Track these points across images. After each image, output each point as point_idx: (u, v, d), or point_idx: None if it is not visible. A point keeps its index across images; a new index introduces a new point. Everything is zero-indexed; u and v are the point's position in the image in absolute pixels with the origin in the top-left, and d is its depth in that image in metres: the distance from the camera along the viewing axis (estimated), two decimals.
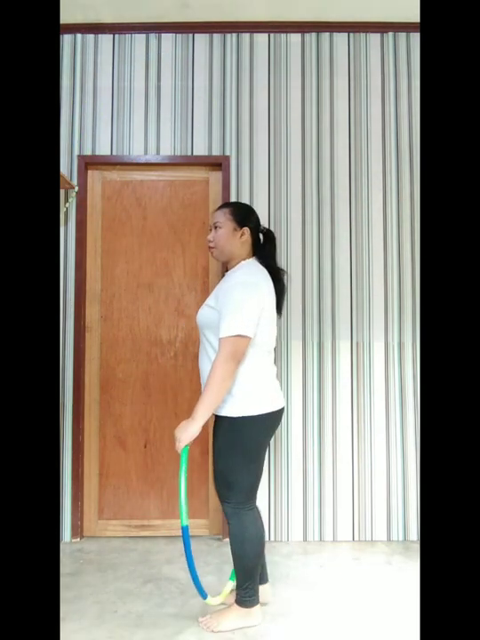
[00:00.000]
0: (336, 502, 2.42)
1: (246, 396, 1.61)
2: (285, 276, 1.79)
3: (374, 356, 2.46)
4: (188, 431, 1.55)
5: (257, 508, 1.71)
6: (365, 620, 1.76)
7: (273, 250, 1.79)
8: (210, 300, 1.68)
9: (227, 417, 1.61)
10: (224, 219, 1.72)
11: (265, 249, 1.77)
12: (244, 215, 1.74)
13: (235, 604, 1.69)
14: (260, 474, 1.70)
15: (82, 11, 2.40)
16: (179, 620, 1.75)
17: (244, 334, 1.53)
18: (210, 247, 1.74)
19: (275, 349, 2.44)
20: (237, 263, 1.73)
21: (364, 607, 1.84)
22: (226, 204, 1.82)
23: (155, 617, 1.77)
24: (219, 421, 1.66)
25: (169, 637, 1.65)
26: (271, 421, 1.67)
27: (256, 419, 1.60)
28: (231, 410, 1.60)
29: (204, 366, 1.66)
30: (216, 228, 1.72)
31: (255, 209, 2.46)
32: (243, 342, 1.54)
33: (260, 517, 1.71)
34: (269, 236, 1.80)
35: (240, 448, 1.62)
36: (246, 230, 1.72)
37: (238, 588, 1.68)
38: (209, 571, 2.10)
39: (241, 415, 1.59)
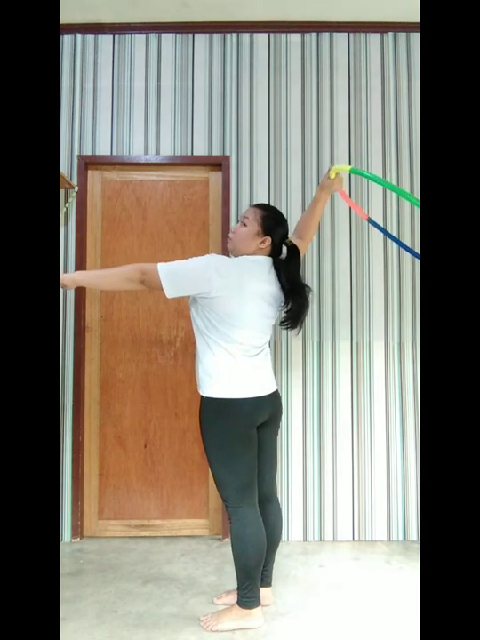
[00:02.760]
0: (336, 502, 2.42)
1: (220, 380, 1.62)
2: (310, 293, 1.73)
3: (374, 356, 2.46)
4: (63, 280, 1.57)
5: (257, 509, 1.69)
6: (365, 620, 1.76)
7: (297, 266, 1.72)
8: None
9: (202, 397, 1.66)
10: (252, 218, 1.68)
11: (290, 265, 1.70)
12: (272, 224, 1.69)
13: (236, 605, 1.69)
14: (249, 475, 1.65)
15: (82, 11, 2.40)
16: (179, 620, 1.75)
17: (160, 272, 1.55)
18: (229, 238, 1.74)
19: (275, 349, 2.45)
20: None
21: (364, 607, 1.84)
22: (262, 206, 1.77)
23: (155, 617, 1.77)
24: (200, 404, 1.69)
25: (169, 637, 1.65)
26: (242, 408, 1.62)
27: (228, 402, 1.61)
28: (206, 390, 1.64)
29: (196, 368, 1.71)
30: (243, 223, 1.69)
31: None
32: (153, 276, 1.55)
33: (271, 517, 1.73)
34: (294, 252, 1.73)
35: (213, 434, 1.63)
36: (269, 240, 1.68)
37: (238, 588, 1.68)
38: (209, 571, 2.10)
39: (213, 396, 1.62)
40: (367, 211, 2.49)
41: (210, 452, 1.66)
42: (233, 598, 1.76)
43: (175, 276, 1.57)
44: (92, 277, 1.75)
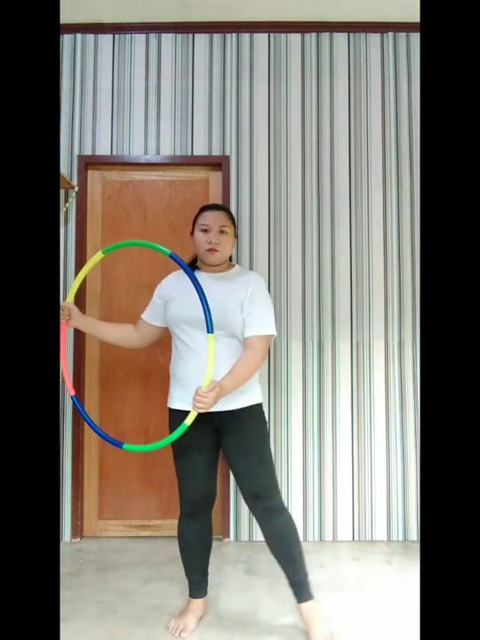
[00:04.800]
0: (336, 502, 2.42)
1: (257, 385, 1.71)
2: None
3: (374, 356, 2.46)
4: (217, 400, 1.49)
5: (201, 519, 1.71)
6: (365, 620, 1.76)
7: None
8: (234, 300, 1.62)
9: (249, 406, 1.65)
10: (230, 224, 1.70)
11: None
12: (236, 224, 1.76)
13: (309, 605, 1.65)
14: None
15: (82, 11, 2.40)
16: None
17: (272, 335, 1.64)
18: (213, 249, 1.64)
19: (275, 349, 2.45)
20: (228, 267, 1.73)
21: (364, 607, 1.84)
22: (225, 208, 1.76)
23: (155, 617, 1.77)
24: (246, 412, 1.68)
25: (169, 638, 1.65)
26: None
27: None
28: (255, 397, 1.68)
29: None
30: (223, 232, 1.66)
31: (255, 209, 2.49)
32: (269, 341, 1.65)
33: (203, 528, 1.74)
34: None
35: (267, 438, 1.72)
36: (236, 239, 1.77)
37: (302, 580, 1.67)
38: (209, 570, 2.09)
39: (259, 401, 1.69)
40: (367, 211, 2.49)
41: (267, 456, 1.66)
42: (193, 618, 1.72)
43: (273, 320, 1.66)
44: (237, 382, 1.57)
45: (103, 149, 2.51)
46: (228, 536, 2.41)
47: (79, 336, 2.44)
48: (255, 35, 2.53)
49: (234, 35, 2.53)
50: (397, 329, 2.47)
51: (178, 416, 1.63)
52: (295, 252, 2.47)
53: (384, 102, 2.53)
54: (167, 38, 2.53)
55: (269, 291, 2.35)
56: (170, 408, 1.73)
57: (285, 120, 2.52)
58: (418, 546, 2.35)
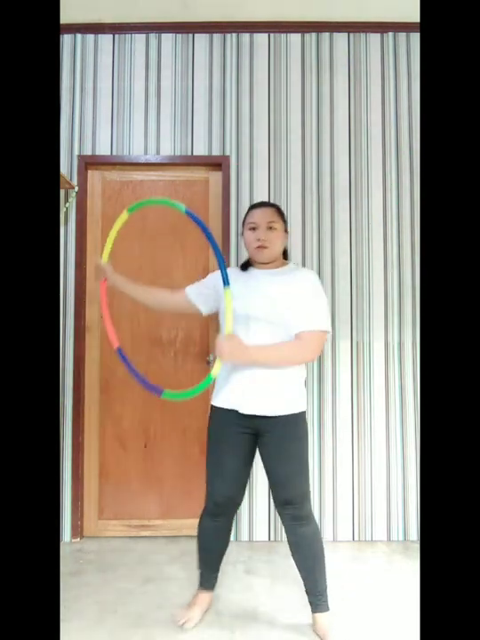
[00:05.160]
0: (336, 502, 2.42)
1: (305, 392, 1.68)
2: None
3: (374, 356, 2.46)
4: (237, 354, 1.50)
5: (224, 520, 1.73)
6: (365, 620, 1.76)
7: None
8: (289, 296, 1.60)
9: (293, 414, 1.63)
10: (278, 219, 1.68)
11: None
12: (285, 220, 1.75)
13: (324, 617, 1.67)
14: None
15: (82, 11, 2.40)
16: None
17: (327, 331, 1.61)
18: (262, 246, 1.63)
19: None
20: (281, 263, 1.72)
21: (364, 607, 1.84)
22: (273, 205, 1.74)
23: (155, 617, 1.77)
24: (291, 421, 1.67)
25: (169, 637, 1.65)
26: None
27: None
28: (301, 405, 1.65)
29: (273, 385, 1.61)
30: (271, 228, 1.64)
31: None
32: (325, 337, 1.61)
33: (221, 529, 1.75)
34: None
35: (307, 444, 1.68)
36: (287, 234, 1.75)
37: (320, 593, 1.69)
38: None
39: (304, 409, 1.66)
40: (367, 211, 2.49)
41: (305, 464, 1.65)
42: (199, 611, 1.76)
43: (328, 318, 1.62)
44: (266, 358, 1.57)
45: (103, 149, 2.51)
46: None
47: (79, 336, 2.44)
48: (255, 35, 2.53)
49: (234, 35, 2.53)
50: (397, 329, 2.47)
51: (222, 413, 1.66)
52: (295, 251, 2.46)
53: (384, 102, 2.53)
54: (167, 38, 2.53)
55: None
56: (213, 405, 1.70)
57: (285, 120, 2.52)
58: (418, 546, 2.35)
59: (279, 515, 1.67)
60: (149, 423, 2.49)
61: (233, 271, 1.71)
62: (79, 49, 2.52)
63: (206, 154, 2.51)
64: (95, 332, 2.50)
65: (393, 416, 2.45)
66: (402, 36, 2.54)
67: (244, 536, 2.41)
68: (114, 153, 2.51)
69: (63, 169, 2.46)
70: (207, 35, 2.52)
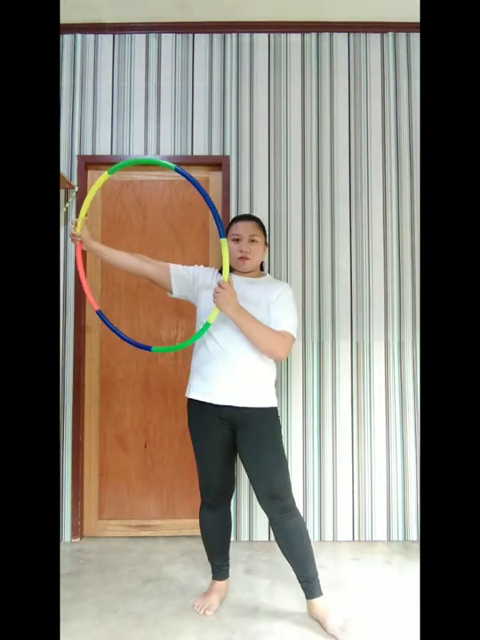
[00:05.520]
0: (336, 502, 2.42)
1: (274, 388, 1.77)
2: None
3: (374, 356, 2.46)
4: (232, 303, 1.58)
5: (221, 510, 1.82)
6: (365, 620, 1.76)
7: None
8: (264, 302, 1.71)
9: (265, 407, 1.71)
10: (260, 233, 1.78)
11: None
12: (265, 233, 1.85)
13: (321, 602, 1.73)
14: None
15: (82, 11, 2.40)
16: (179, 619, 1.75)
17: (294, 334, 1.71)
18: (244, 257, 1.74)
19: None
20: (258, 274, 1.84)
21: (364, 607, 1.84)
22: (255, 218, 1.83)
23: (155, 617, 1.77)
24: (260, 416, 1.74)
25: (169, 637, 1.65)
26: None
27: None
28: (271, 399, 1.73)
29: (245, 380, 1.69)
30: (253, 241, 1.75)
31: (255, 209, 2.49)
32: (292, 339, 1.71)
33: (222, 519, 1.84)
34: None
35: (281, 440, 1.75)
36: (267, 247, 1.87)
37: (312, 578, 1.75)
38: (209, 570, 2.09)
39: (275, 404, 1.75)
40: (367, 211, 2.49)
41: (283, 457, 1.72)
42: (217, 598, 1.84)
43: (295, 324, 1.72)
44: (247, 323, 1.64)
45: (103, 149, 2.51)
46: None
47: (79, 336, 2.44)
48: (255, 35, 2.53)
49: (234, 35, 2.53)
50: (397, 329, 2.47)
51: (197, 405, 1.73)
52: (295, 251, 2.47)
53: (384, 102, 2.53)
54: (167, 38, 2.53)
55: None
56: (189, 398, 1.77)
57: (285, 120, 2.52)
58: (418, 546, 2.35)
59: (265, 511, 1.71)
60: (149, 423, 2.49)
61: (214, 273, 1.82)
62: (79, 49, 2.53)
63: (206, 154, 2.51)
64: (95, 332, 2.50)
65: (393, 416, 2.45)
66: (402, 36, 2.54)
67: (244, 536, 2.41)
68: (114, 153, 2.50)
69: (63, 169, 2.46)
70: (207, 35, 2.52)
